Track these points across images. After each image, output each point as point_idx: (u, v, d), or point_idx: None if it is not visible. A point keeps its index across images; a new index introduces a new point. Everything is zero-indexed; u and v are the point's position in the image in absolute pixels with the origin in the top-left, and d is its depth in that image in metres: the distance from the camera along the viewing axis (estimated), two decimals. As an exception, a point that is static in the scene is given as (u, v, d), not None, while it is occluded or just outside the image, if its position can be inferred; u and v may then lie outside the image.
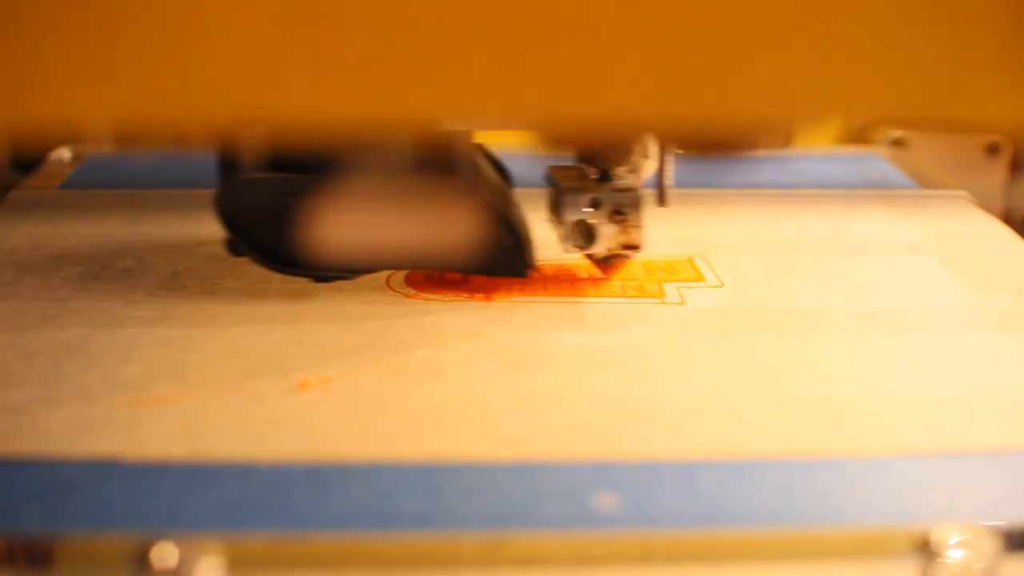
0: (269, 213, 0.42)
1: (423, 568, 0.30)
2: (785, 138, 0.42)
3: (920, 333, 0.41)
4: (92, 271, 0.45)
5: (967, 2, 0.27)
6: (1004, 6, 0.27)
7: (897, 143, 0.65)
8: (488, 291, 0.44)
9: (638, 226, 0.43)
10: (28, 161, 0.59)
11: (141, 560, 0.29)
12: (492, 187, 0.44)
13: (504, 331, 0.41)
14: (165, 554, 0.29)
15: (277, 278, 0.44)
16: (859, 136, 0.67)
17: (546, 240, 0.45)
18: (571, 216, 0.43)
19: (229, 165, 0.42)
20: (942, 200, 0.55)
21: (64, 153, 0.59)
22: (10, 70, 0.26)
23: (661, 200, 0.44)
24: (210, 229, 0.44)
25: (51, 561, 0.30)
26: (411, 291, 0.44)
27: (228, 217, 0.42)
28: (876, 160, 0.62)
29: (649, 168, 0.44)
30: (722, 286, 0.45)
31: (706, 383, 0.38)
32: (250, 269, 0.44)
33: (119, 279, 0.44)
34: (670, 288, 0.44)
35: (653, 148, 0.43)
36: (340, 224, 0.42)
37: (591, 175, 0.43)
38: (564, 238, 0.43)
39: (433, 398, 0.36)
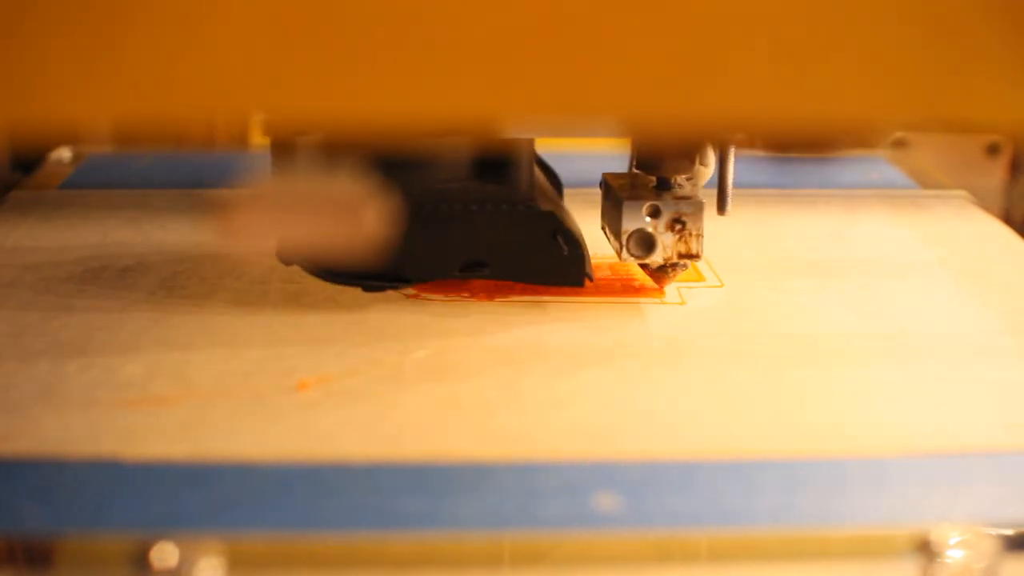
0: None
1: (423, 568, 0.30)
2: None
3: (920, 333, 0.41)
4: (92, 271, 0.45)
5: (967, 2, 0.27)
6: (1004, 6, 0.27)
7: (897, 143, 0.65)
8: (488, 291, 0.44)
9: (698, 235, 0.42)
10: (28, 161, 0.59)
11: (141, 560, 0.29)
12: (548, 196, 0.44)
13: (504, 331, 0.41)
14: (165, 554, 0.29)
15: (277, 278, 0.44)
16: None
17: (600, 248, 0.45)
18: (630, 225, 0.42)
19: (282, 172, 0.41)
20: (942, 200, 0.55)
21: (64, 153, 0.59)
22: (10, 70, 0.26)
23: (721, 207, 0.43)
24: (210, 229, 0.44)
25: (51, 561, 0.30)
26: (411, 291, 0.44)
27: None
28: (877, 161, 0.62)
29: (706, 175, 0.43)
30: (722, 286, 0.45)
31: (706, 383, 0.38)
32: (250, 269, 0.44)
33: (119, 279, 0.44)
34: (670, 288, 0.44)
35: (709, 155, 0.43)
36: (395, 233, 0.41)
37: (649, 183, 0.43)
38: (621, 248, 0.42)
39: (433, 398, 0.36)
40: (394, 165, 0.41)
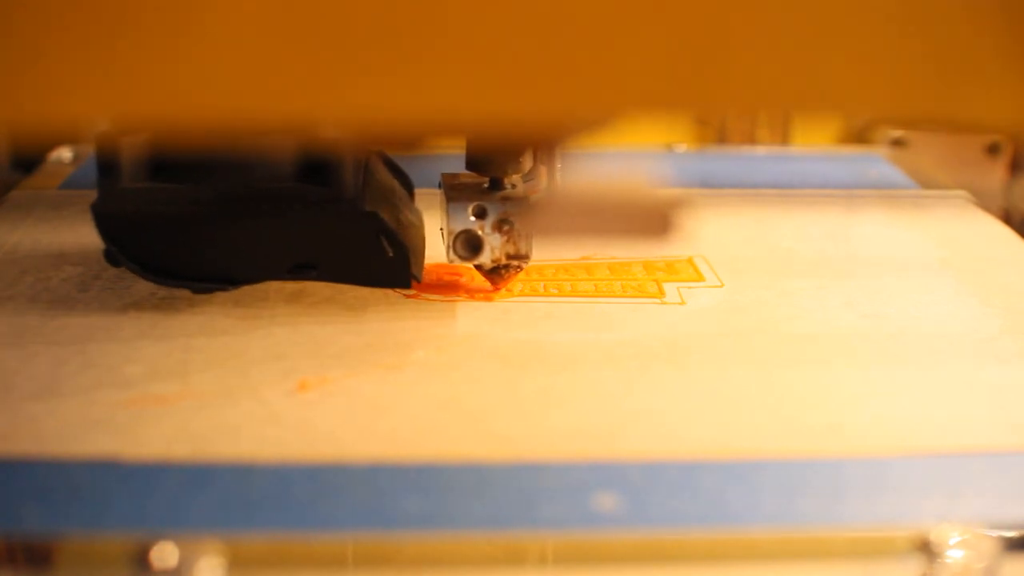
0: (146, 223, 0.41)
1: (423, 568, 0.30)
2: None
3: (920, 333, 0.41)
4: (92, 271, 0.45)
5: (967, 2, 0.27)
6: (1004, 7, 0.27)
7: (897, 143, 0.65)
8: (488, 291, 0.44)
9: (526, 236, 0.42)
10: (28, 161, 0.59)
11: (141, 560, 0.29)
12: (379, 196, 0.43)
13: (504, 331, 0.41)
14: (165, 554, 0.29)
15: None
16: (859, 136, 0.67)
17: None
18: (456, 225, 0.41)
19: (107, 172, 0.41)
20: (942, 200, 0.55)
21: (64, 153, 0.59)
22: (10, 70, 0.26)
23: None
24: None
25: (51, 561, 0.30)
26: (411, 291, 0.44)
27: (105, 227, 0.41)
28: (876, 160, 0.62)
29: (545, 176, 0.42)
30: (722, 286, 0.45)
31: (706, 383, 0.38)
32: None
33: (119, 279, 0.44)
34: (670, 288, 0.44)
35: (547, 155, 0.41)
36: (221, 234, 0.41)
37: (482, 183, 0.42)
38: (448, 248, 0.42)
39: (433, 398, 0.36)
40: (219, 165, 0.40)
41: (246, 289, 0.43)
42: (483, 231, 0.42)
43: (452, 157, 0.43)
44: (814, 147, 0.66)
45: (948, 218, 0.53)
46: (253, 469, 0.32)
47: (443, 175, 0.43)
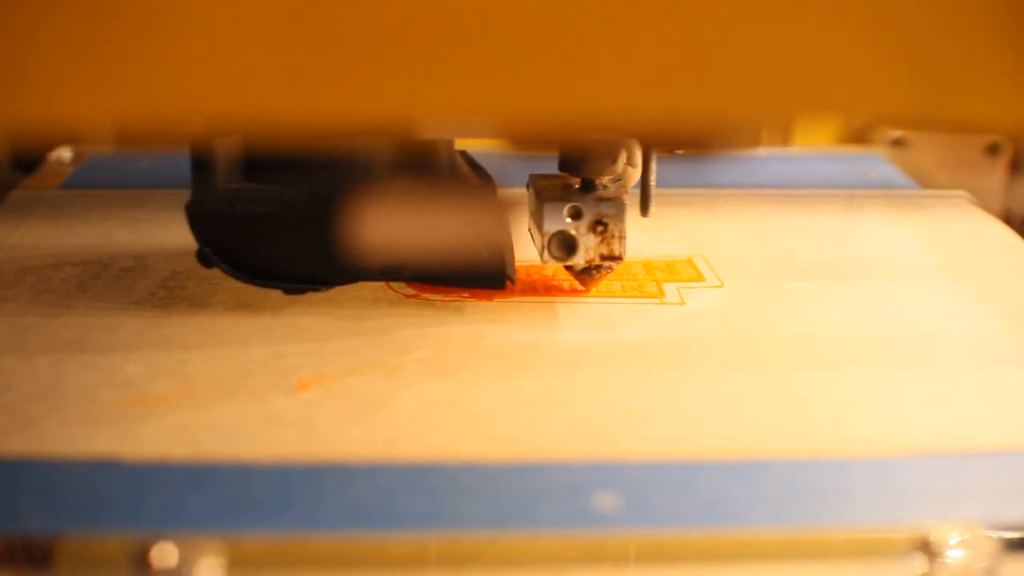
0: (240, 224, 0.41)
1: (423, 568, 0.30)
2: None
3: (920, 333, 0.41)
4: (92, 271, 0.45)
5: (967, 2, 0.27)
6: (1004, 6, 0.27)
7: (897, 143, 0.65)
8: (488, 292, 0.44)
9: (620, 237, 0.42)
10: (28, 161, 0.59)
11: (141, 560, 0.29)
12: (471, 196, 0.43)
13: (504, 331, 0.41)
14: (165, 554, 0.29)
15: (277, 278, 0.44)
16: (859, 136, 0.67)
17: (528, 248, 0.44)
18: (551, 227, 0.41)
19: (202, 173, 0.41)
20: (942, 200, 0.55)
21: (64, 153, 0.59)
22: (9, 70, 0.26)
23: (644, 209, 0.42)
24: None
25: (51, 561, 0.30)
26: (411, 291, 0.44)
27: (199, 227, 0.42)
28: (876, 160, 0.62)
29: (635, 176, 0.43)
30: (722, 286, 0.45)
31: (706, 383, 0.38)
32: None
33: (119, 279, 0.44)
34: (670, 288, 0.44)
35: (637, 156, 0.42)
36: (313, 235, 0.41)
37: (573, 184, 0.42)
38: (543, 249, 0.42)
39: (433, 398, 0.36)
40: (312, 165, 0.41)
41: (246, 289, 0.43)
42: (578, 232, 0.42)
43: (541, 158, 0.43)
44: (814, 147, 0.66)
45: (948, 218, 0.53)
46: (253, 469, 0.32)
47: (532, 176, 0.44)
